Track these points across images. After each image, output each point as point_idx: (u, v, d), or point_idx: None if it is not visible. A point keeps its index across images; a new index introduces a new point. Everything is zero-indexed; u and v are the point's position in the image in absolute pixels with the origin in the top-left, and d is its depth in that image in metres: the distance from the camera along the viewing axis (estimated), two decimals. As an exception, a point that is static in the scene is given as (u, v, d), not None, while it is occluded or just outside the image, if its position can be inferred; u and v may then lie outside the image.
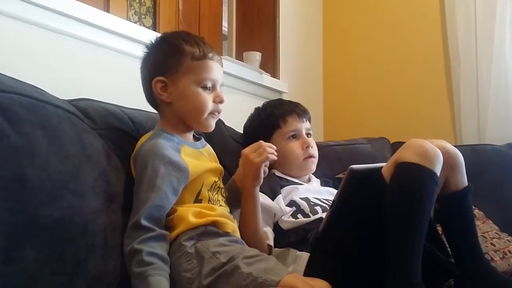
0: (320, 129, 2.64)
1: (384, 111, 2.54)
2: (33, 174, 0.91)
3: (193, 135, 1.26)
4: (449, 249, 1.22)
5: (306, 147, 1.51)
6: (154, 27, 1.88)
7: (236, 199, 1.26)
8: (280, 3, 2.35)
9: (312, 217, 1.36)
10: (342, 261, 1.14)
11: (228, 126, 1.62)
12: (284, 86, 2.33)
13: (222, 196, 1.21)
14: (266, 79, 2.20)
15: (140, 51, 1.24)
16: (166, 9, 1.92)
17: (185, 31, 1.26)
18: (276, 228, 1.37)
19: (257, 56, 2.21)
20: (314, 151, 1.54)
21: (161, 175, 1.06)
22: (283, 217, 1.38)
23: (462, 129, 2.28)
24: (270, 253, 1.27)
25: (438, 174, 1.10)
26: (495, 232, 1.63)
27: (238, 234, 1.17)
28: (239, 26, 2.41)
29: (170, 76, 1.16)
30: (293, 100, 1.65)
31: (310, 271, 1.17)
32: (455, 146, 1.27)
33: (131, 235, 1.01)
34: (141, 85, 1.22)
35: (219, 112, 1.21)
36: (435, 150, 1.11)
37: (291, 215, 1.38)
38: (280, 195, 1.41)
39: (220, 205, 1.18)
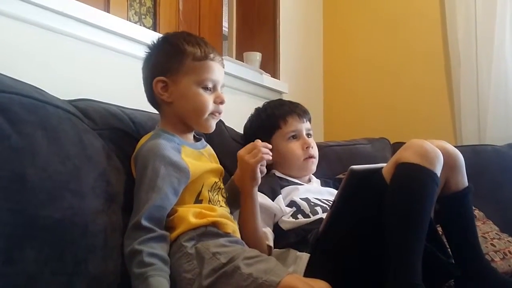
0: (320, 129, 2.64)
1: (384, 111, 2.54)
2: (33, 174, 0.91)
3: (194, 135, 1.26)
4: (449, 249, 1.22)
5: (307, 148, 1.51)
6: (154, 27, 1.88)
7: (236, 200, 1.27)
8: (280, 3, 2.35)
9: (312, 218, 1.36)
10: (342, 262, 1.14)
11: (228, 127, 1.62)
12: (284, 87, 2.33)
13: (223, 196, 1.21)
14: (266, 79, 2.20)
15: (140, 52, 1.24)
16: (166, 9, 1.92)
17: (187, 32, 1.27)
18: (276, 228, 1.37)
19: (257, 56, 2.21)
20: (315, 151, 1.54)
21: (162, 176, 1.06)
22: (283, 218, 1.38)
23: (462, 130, 2.28)
24: (270, 253, 1.27)
25: (439, 175, 1.10)
26: (496, 233, 1.63)
27: (238, 235, 1.17)
28: (239, 26, 2.40)
29: (171, 76, 1.16)
30: (293, 100, 1.65)
31: (310, 271, 1.17)
32: (455, 146, 1.27)
33: (131, 235, 1.01)
34: (141, 86, 1.22)
35: (219, 113, 1.21)
36: (436, 151, 1.11)
37: (291, 215, 1.38)
38: (280, 195, 1.41)
39: (221, 206, 1.18)
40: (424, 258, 1.04)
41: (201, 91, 1.17)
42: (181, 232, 1.07)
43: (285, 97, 2.13)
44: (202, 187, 1.15)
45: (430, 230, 1.10)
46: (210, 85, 1.18)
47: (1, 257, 0.83)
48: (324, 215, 1.33)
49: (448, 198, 1.23)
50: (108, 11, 1.59)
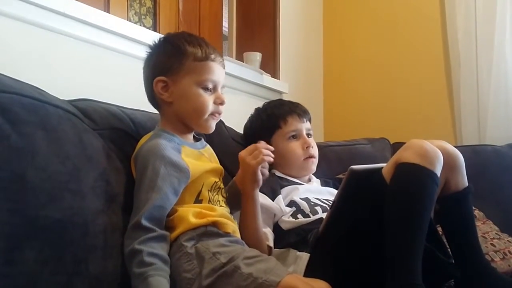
0: (320, 129, 2.64)
1: (384, 111, 2.54)
2: (33, 174, 0.91)
3: (194, 135, 1.26)
4: (449, 249, 1.22)
5: (307, 147, 1.51)
6: (154, 28, 1.88)
7: (237, 201, 1.27)
8: (280, 4, 2.35)
9: (312, 217, 1.36)
10: (342, 262, 1.14)
11: (228, 127, 1.62)
12: (284, 87, 2.33)
13: (223, 196, 1.21)
14: (266, 79, 2.20)
15: (140, 52, 1.24)
16: (167, 10, 1.92)
17: (188, 32, 1.27)
18: (276, 228, 1.37)
19: (257, 56, 2.21)
20: (315, 151, 1.54)
21: (162, 176, 1.06)
22: (283, 217, 1.38)
23: (462, 130, 2.28)
24: (270, 254, 1.27)
25: (438, 175, 1.10)
26: (495, 233, 1.63)
27: (238, 235, 1.17)
28: (239, 26, 2.41)
29: (172, 76, 1.16)
30: (293, 100, 1.65)
31: (310, 271, 1.17)
32: (455, 146, 1.27)
33: (131, 235, 1.01)
34: (141, 86, 1.22)
35: (219, 114, 1.21)
36: (435, 151, 1.11)
37: (291, 215, 1.38)
38: (280, 195, 1.41)
39: (221, 206, 1.18)
40: (424, 258, 1.04)
41: (201, 91, 1.17)
42: (181, 232, 1.08)
43: (285, 97, 2.13)
44: (202, 187, 1.15)
45: (430, 230, 1.10)
46: (210, 86, 1.18)
47: (1, 257, 0.83)
48: (324, 215, 1.33)
49: (448, 198, 1.23)
50: (108, 11, 1.59)
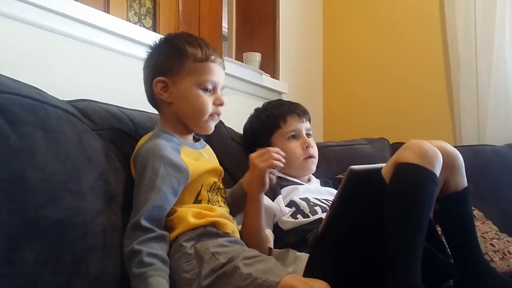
0: (319, 129, 2.64)
1: (383, 111, 2.54)
2: (33, 175, 0.91)
3: (193, 136, 1.26)
4: (448, 249, 1.22)
5: (306, 147, 1.51)
6: (154, 28, 1.88)
7: (242, 202, 1.26)
8: (280, 4, 2.35)
9: (312, 218, 1.36)
10: (341, 262, 1.14)
11: (228, 127, 1.62)
12: (283, 87, 2.33)
13: (222, 197, 1.21)
14: (266, 79, 2.21)
15: (140, 52, 1.24)
16: (166, 10, 1.92)
17: (188, 33, 1.27)
18: (276, 228, 1.37)
19: (256, 56, 2.21)
20: (314, 151, 1.54)
21: (161, 176, 1.06)
22: (282, 218, 1.38)
23: (462, 130, 2.28)
24: (270, 255, 1.27)
25: (438, 175, 1.10)
26: (495, 233, 1.63)
27: (237, 235, 1.17)
28: (239, 27, 2.41)
29: (171, 77, 1.16)
30: (293, 100, 1.65)
31: (309, 271, 1.17)
32: (454, 146, 1.27)
33: (131, 235, 1.01)
34: (141, 86, 1.22)
35: (218, 115, 1.21)
36: (435, 151, 1.11)
37: (290, 215, 1.38)
38: (280, 195, 1.41)
39: (220, 206, 1.18)
40: (424, 258, 1.04)
41: (201, 92, 1.17)
42: (180, 232, 1.08)
43: (285, 98, 2.12)
44: (202, 187, 1.15)
45: (429, 230, 1.10)
46: (210, 87, 1.18)
47: (0, 257, 0.83)
48: (323, 215, 1.33)
49: (448, 199, 1.23)
50: (108, 12, 1.59)
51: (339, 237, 1.16)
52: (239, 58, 2.26)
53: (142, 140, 1.16)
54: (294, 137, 1.52)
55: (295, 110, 1.55)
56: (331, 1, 2.74)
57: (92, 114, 1.16)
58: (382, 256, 1.05)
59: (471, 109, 2.25)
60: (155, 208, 1.04)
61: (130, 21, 1.76)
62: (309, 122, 1.58)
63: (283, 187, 1.45)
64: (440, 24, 2.42)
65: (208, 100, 1.18)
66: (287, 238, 1.33)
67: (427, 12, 2.47)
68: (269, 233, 1.32)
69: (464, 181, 1.26)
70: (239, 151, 1.59)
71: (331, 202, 1.29)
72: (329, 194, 1.48)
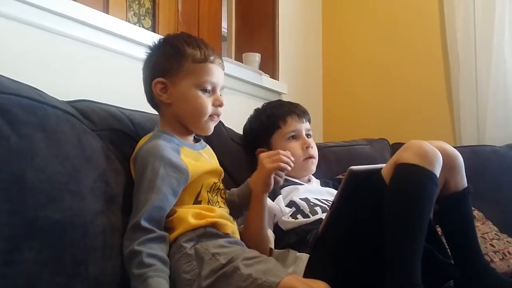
0: (319, 130, 2.64)
1: (383, 112, 2.54)
2: (32, 175, 0.91)
3: (194, 136, 1.26)
4: (448, 250, 1.22)
5: (306, 148, 1.51)
6: (154, 29, 1.88)
7: (249, 202, 1.26)
8: (279, 4, 2.35)
9: (312, 218, 1.36)
10: (342, 262, 1.14)
11: (227, 127, 1.62)
12: (283, 87, 2.33)
13: (222, 197, 1.21)
14: (266, 80, 2.20)
15: (139, 53, 1.24)
16: (166, 11, 1.92)
17: (187, 34, 1.26)
18: (276, 228, 1.37)
19: (256, 57, 2.21)
20: (314, 151, 1.54)
21: (161, 176, 1.06)
22: (282, 218, 1.38)
23: (462, 130, 2.28)
24: (270, 255, 1.26)
25: (438, 175, 1.10)
26: (495, 233, 1.63)
27: (237, 236, 1.17)
28: (238, 27, 2.40)
29: (171, 78, 1.16)
30: (293, 101, 1.65)
31: (309, 272, 1.17)
32: (454, 147, 1.27)
33: (131, 236, 1.01)
34: (140, 87, 1.22)
35: (218, 116, 1.21)
36: (435, 151, 1.11)
37: (290, 215, 1.38)
38: (280, 195, 1.41)
39: (220, 207, 1.18)
40: (424, 258, 1.04)
41: (200, 93, 1.17)
42: (180, 233, 1.07)
43: (284, 98, 2.12)
44: (201, 187, 1.15)
45: (429, 230, 1.10)
46: (209, 88, 1.18)
47: (0, 258, 0.83)
48: (323, 215, 1.33)
49: (448, 199, 1.23)
50: (107, 12, 1.59)
51: (339, 238, 1.15)
52: (239, 58, 2.26)
53: (142, 141, 1.16)
54: (294, 137, 1.52)
55: (295, 110, 1.55)
56: (330, 2, 2.74)
57: (91, 115, 1.16)
58: (382, 257, 1.05)
59: (470, 109, 2.25)
60: (155, 208, 1.03)
61: (129, 21, 1.76)
62: (309, 123, 1.58)
63: (283, 187, 1.45)
64: (439, 24, 2.42)
65: (207, 101, 1.17)
66: (287, 238, 1.33)
67: (427, 12, 2.47)
68: (270, 234, 1.32)
69: (464, 182, 1.26)
70: (239, 151, 1.59)
71: (331, 203, 1.29)
72: (329, 194, 1.48)
